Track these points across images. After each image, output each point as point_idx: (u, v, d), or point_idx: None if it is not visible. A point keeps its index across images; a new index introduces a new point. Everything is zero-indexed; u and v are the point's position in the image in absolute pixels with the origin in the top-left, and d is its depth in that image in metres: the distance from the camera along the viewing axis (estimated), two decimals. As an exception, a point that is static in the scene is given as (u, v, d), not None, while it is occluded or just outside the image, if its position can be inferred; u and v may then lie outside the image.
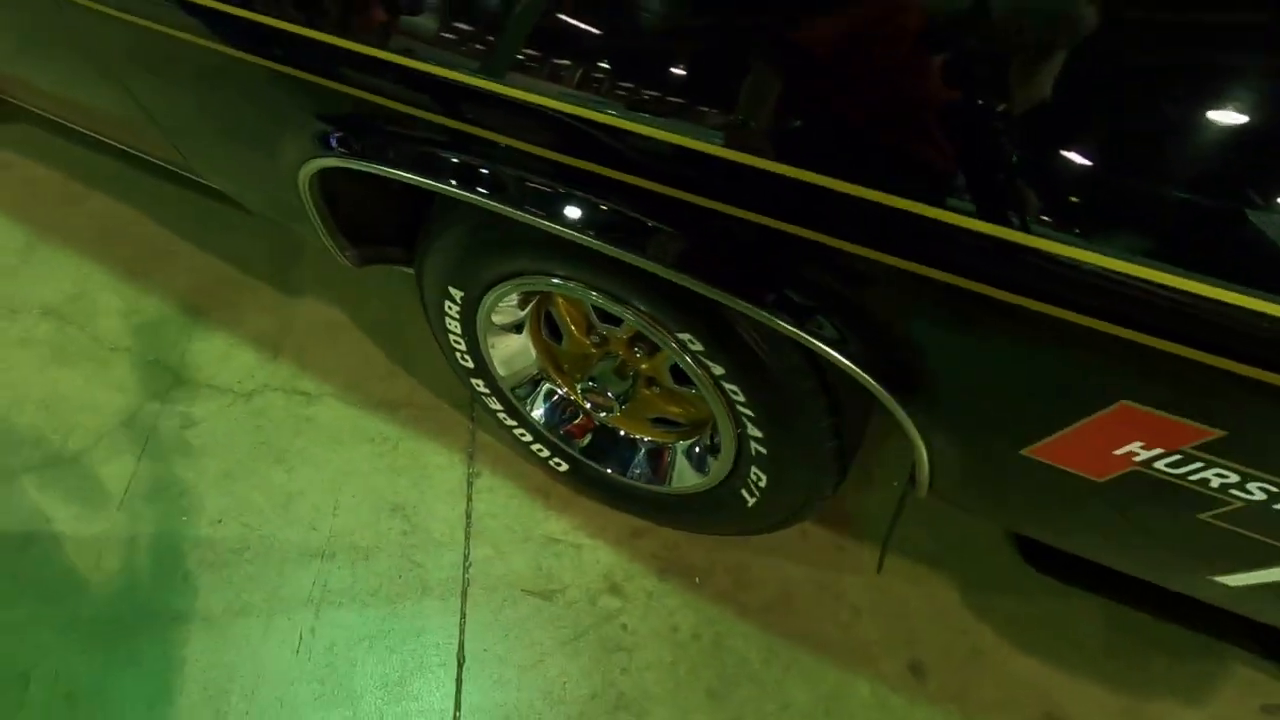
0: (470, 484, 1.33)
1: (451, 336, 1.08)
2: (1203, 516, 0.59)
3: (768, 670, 1.13)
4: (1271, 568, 0.60)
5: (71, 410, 1.41)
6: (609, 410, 1.05)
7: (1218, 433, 0.51)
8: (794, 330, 0.65)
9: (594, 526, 1.27)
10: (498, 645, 1.14)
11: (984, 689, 1.13)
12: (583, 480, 1.23)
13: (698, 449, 1.08)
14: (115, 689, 1.09)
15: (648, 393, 1.09)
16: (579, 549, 1.25)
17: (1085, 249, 0.47)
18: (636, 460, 1.14)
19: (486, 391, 1.17)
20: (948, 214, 0.51)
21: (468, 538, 1.26)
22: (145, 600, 1.18)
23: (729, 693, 1.11)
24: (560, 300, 1.06)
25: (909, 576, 1.24)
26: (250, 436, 1.38)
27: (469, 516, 1.28)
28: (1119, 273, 0.47)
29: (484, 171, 0.74)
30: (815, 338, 0.65)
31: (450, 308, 1.02)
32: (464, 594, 1.20)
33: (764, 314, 0.66)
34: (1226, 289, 0.45)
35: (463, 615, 1.17)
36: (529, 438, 1.22)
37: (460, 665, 1.13)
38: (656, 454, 1.14)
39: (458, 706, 1.09)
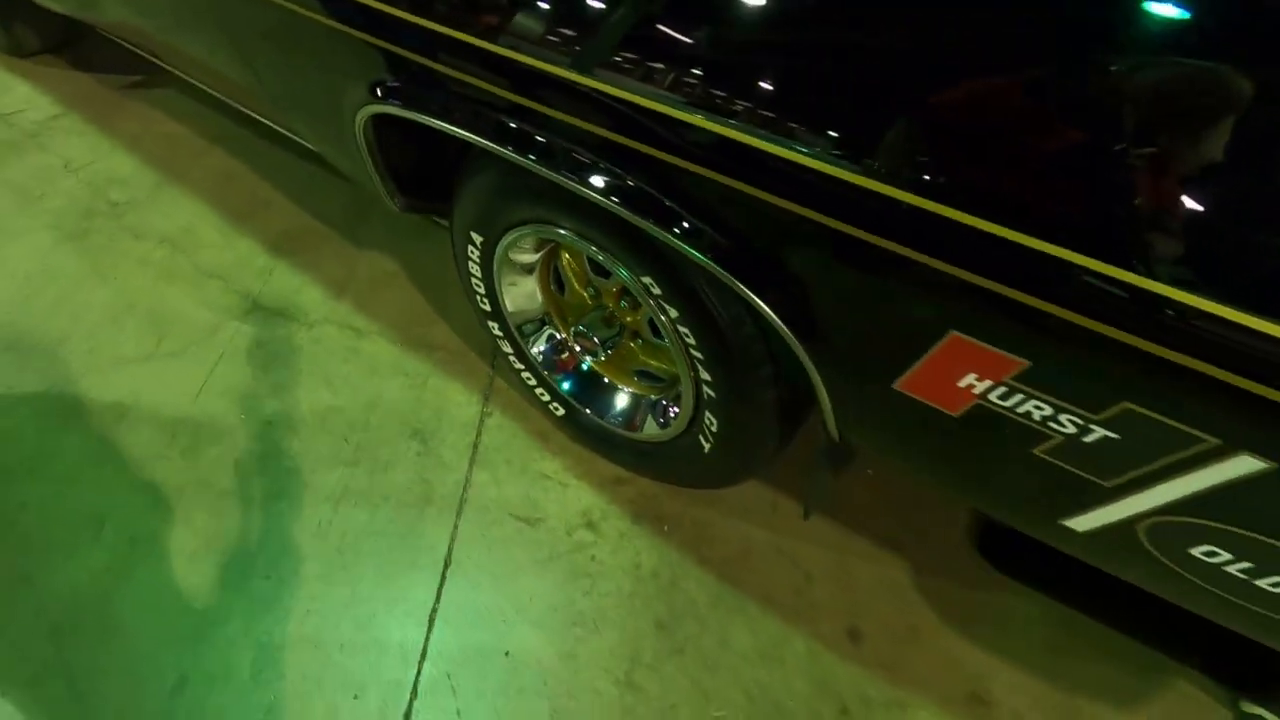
0: (482, 421, 1.50)
1: (473, 280, 1.26)
2: (1036, 451, 0.67)
3: (713, 613, 1.23)
4: (1103, 507, 0.68)
5: (169, 320, 1.68)
6: (594, 354, 1.19)
7: (1024, 363, 0.61)
8: (707, 262, 0.78)
9: (581, 470, 1.41)
10: (481, 557, 1.30)
11: (915, 663, 1.19)
12: (574, 426, 1.37)
13: (664, 402, 1.21)
14: (169, 541, 1.31)
15: (633, 345, 1.22)
16: (565, 487, 1.39)
17: (907, 191, 0.59)
18: (615, 408, 1.27)
19: (500, 334, 1.34)
20: (807, 158, 0.64)
21: (471, 464, 1.42)
22: (204, 474, 1.40)
23: (675, 626, 1.22)
24: (565, 256, 1.22)
25: (866, 555, 1.32)
26: (306, 359, 1.60)
27: (475, 448, 1.45)
28: (935, 213, 0.58)
29: (512, 127, 0.90)
30: (724, 268, 0.78)
31: (473, 252, 1.20)
32: (459, 510, 1.36)
33: (679, 242, 0.79)
34: (1012, 228, 0.55)
35: (455, 527, 1.33)
36: (533, 382, 1.37)
37: (446, 567, 1.29)
38: (634, 404, 1.27)
39: (438, 600, 1.25)
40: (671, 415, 1.20)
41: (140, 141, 2.19)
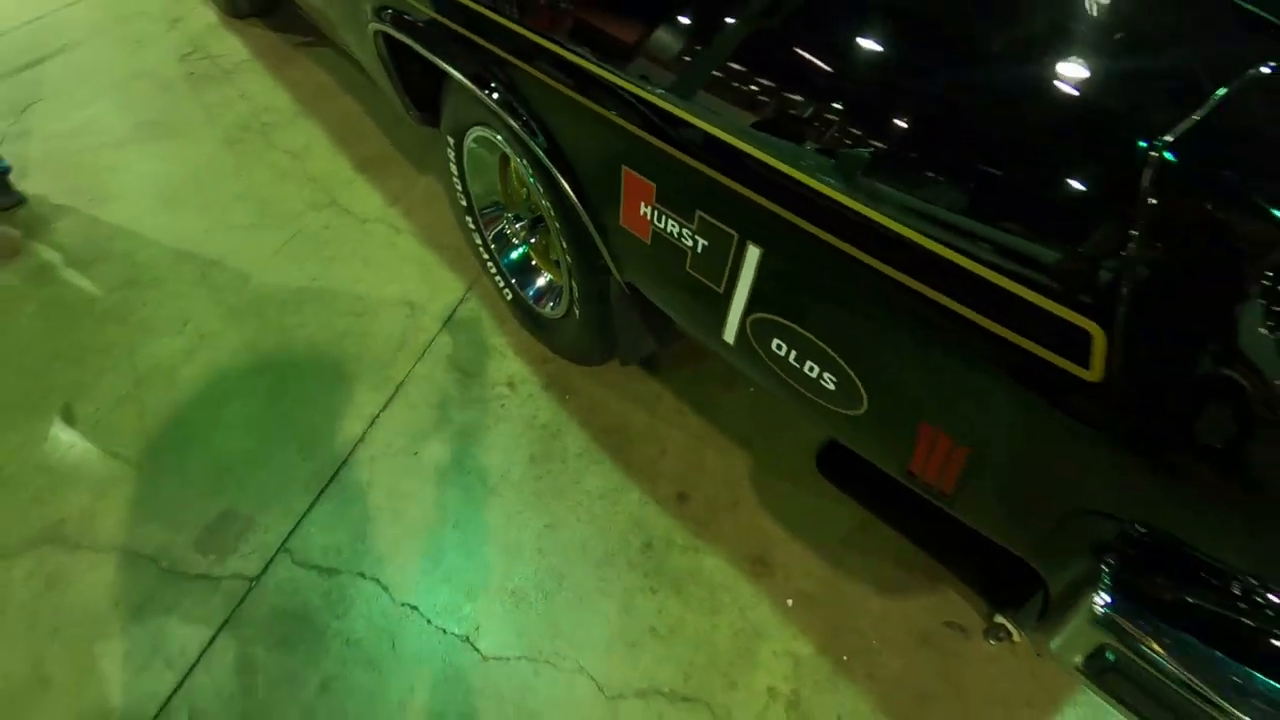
0: (461, 301, 1.89)
1: (453, 178, 1.65)
2: (688, 269, 0.93)
3: (577, 460, 1.53)
4: (727, 314, 0.91)
5: (272, 204, 2.24)
6: (518, 237, 1.54)
7: (653, 185, 0.87)
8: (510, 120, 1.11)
9: (520, 348, 1.76)
10: (423, 389, 1.68)
11: (724, 527, 1.41)
12: (516, 308, 1.73)
13: (560, 286, 1.53)
14: (224, 339, 1.83)
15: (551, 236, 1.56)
16: (504, 357, 1.75)
17: (579, 58, 0.89)
18: (535, 286, 1.62)
19: (473, 228, 1.72)
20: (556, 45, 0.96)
21: (441, 330, 1.82)
22: (258, 303, 1.91)
23: (544, 461, 1.53)
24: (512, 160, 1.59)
25: (721, 447, 1.55)
26: (354, 243, 2.09)
27: (449, 320, 1.85)
28: (590, 70, 0.88)
29: (455, 50, 1.28)
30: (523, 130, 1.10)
31: (450, 153, 1.60)
32: (420, 357, 1.76)
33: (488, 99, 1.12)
34: (619, 76, 0.84)
35: (412, 368, 1.73)
36: (494, 270, 1.75)
37: (395, 390, 1.69)
38: (547, 286, 1.61)
39: (382, 409, 1.65)
40: (560, 297, 1.52)
41: (296, 84, 2.84)
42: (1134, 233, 0.52)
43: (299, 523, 1.46)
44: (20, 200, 2.31)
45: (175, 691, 1.24)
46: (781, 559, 1.37)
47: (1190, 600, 0.60)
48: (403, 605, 1.33)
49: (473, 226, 1.72)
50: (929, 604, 1.31)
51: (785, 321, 0.84)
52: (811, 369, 0.85)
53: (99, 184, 2.41)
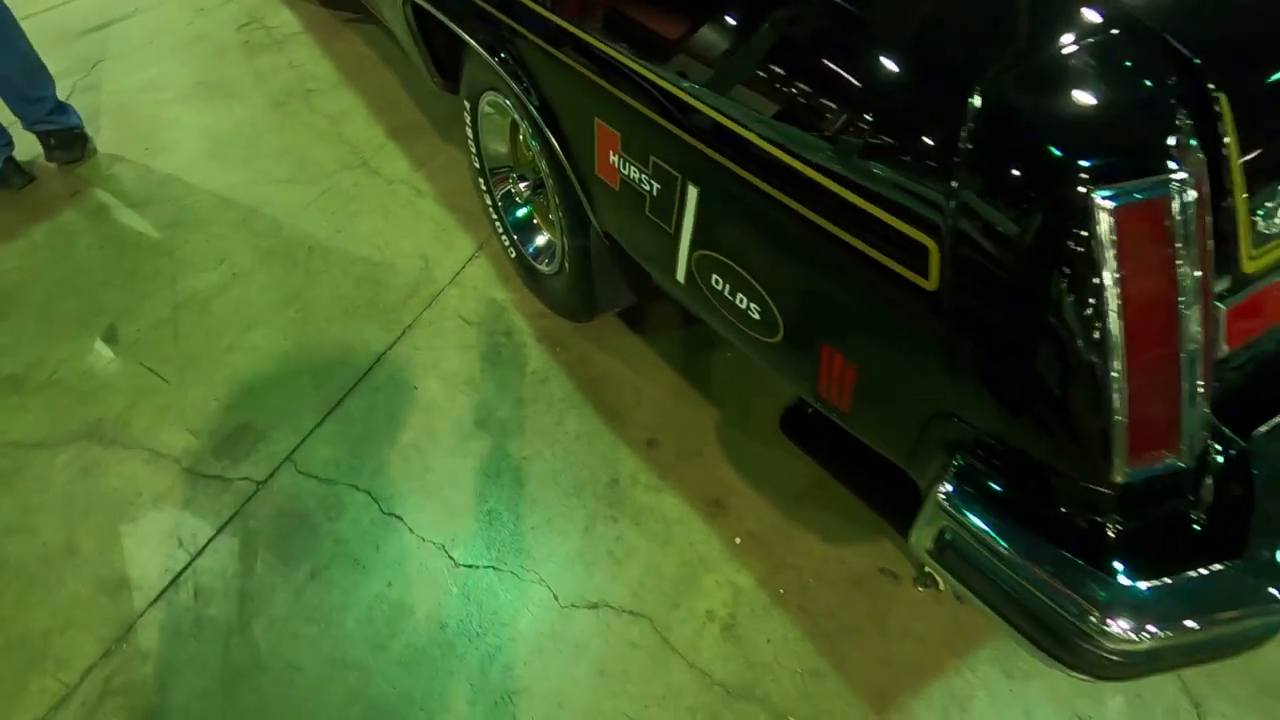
0: (471, 258, 2.04)
1: (469, 142, 1.80)
2: (647, 213, 1.05)
3: (560, 404, 1.66)
4: (676, 252, 1.03)
5: (308, 162, 2.42)
6: (521, 197, 1.68)
7: (618, 134, 1.00)
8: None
9: (521, 303, 1.90)
10: (426, 334, 1.83)
11: (686, 472, 1.53)
12: (519, 265, 1.87)
13: (555, 245, 1.66)
14: (254, 276, 2.00)
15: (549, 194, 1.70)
16: (503, 309, 1.89)
17: (557, 18, 1.02)
18: (534, 244, 1.75)
19: (485, 189, 1.87)
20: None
21: (450, 282, 1.97)
22: (287, 246, 2.08)
23: (529, 404, 1.67)
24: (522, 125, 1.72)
25: (694, 402, 1.67)
26: (377, 200, 2.25)
27: (458, 274, 2.00)
28: (567, 28, 1.00)
29: (472, 21, 1.42)
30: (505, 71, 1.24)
31: (467, 117, 1.74)
32: (429, 304, 1.91)
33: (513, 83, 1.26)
34: (585, 33, 0.96)
35: (420, 313, 1.88)
36: (501, 229, 1.89)
37: (403, 331, 1.84)
38: (546, 244, 1.74)
39: (388, 349, 1.80)
40: (555, 254, 1.65)
41: (340, 56, 3.03)
42: (957, 159, 0.63)
43: (305, 439, 1.62)
44: (92, 152, 2.53)
45: (185, 568, 1.40)
46: (736, 504, 1.48)
47: (1015, 490, 0.70)
48: (389, 515, 1.48)
49: (484, 187, 1.87)
50: (867, 552, 1.41)
51: (719, 256, 0.96)
52: (741, 300, 0.96)
53: (156, 135, 2.62)
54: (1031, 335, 0.63)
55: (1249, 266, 0.70)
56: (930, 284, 0.67)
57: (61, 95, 2.57)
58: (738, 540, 1.42)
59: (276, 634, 1.31)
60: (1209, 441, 0.71)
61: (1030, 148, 0.59)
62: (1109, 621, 0.63)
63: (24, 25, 2.36)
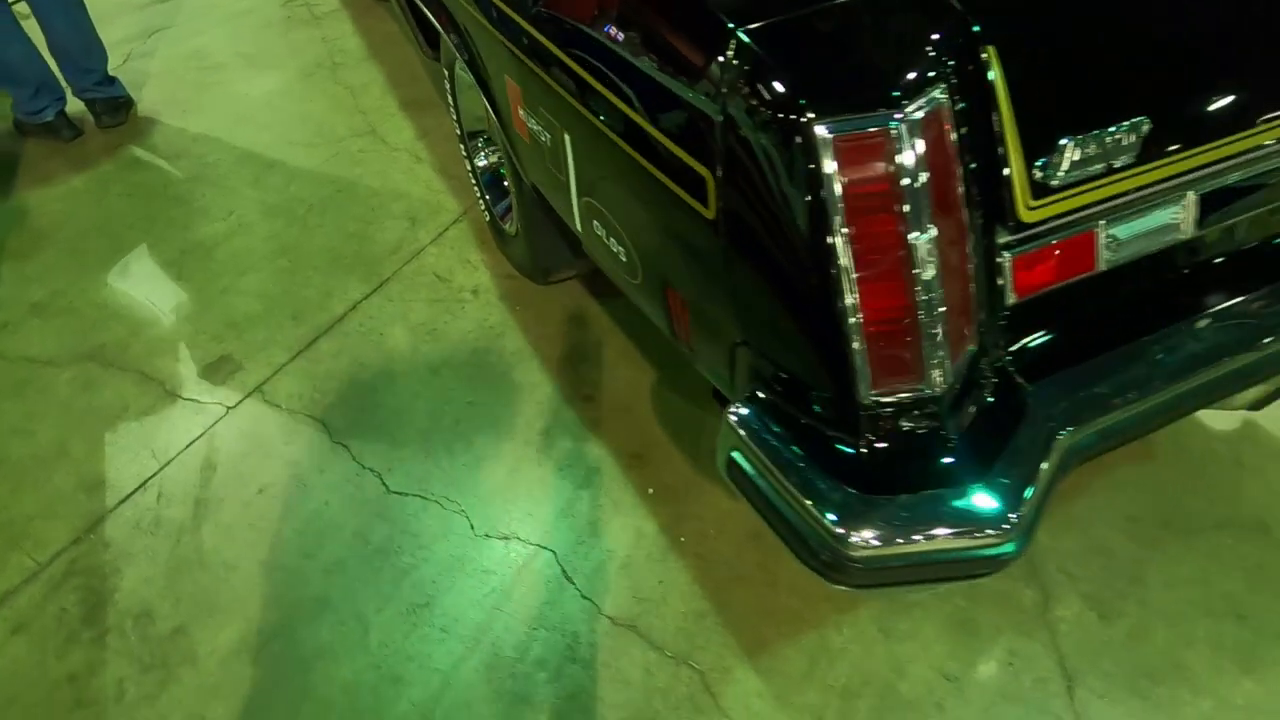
0: (455, 222, 2.16)
1: (451, 110, 1.91)
2: (548, 164, 1.13)
3: (512, 357, 1.76)
4: (571, 202, 1.11)
5: (324, 128, 2.59)
6: (489, 159, 1.79)
7: (520, 88, 1.08)
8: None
9: (493, 264, 2.01)
10: (401, 287, 1.96)
11: (615, 425, 1.61)
12: (492, 227, 1.97)
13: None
14: (258, 229, 2.17)
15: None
16: (475, 268, 2.00)
17: None
18: (501, 204, 1.86)
19: (465, 154, 1.98)
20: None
21: (431, 242, 2.09)
22: (295, 200, 2.25)
23: (484, 354, 1.77)
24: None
25: (633, 361, 1.74)
26: (380, 165, 2.40)
27: (440, 235, 2.12)
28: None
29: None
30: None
31: (446, 84, 1.85)
32: (408, 261, 2.04)
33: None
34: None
35: (399, 269, 2.01)
36: (478, 190, 2.00)
37: (380, 285, 1.97)
38: (508, 204, 1.85)
39: (364, 299, 1.93)
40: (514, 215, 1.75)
41: (369, 32, 3.21)
42: (724, 93, 0.69)
43: (276, 372, 1.77)
44: (134, 114, 2.77)
45: (153, 475, 1.57)
46: (655, 457, 1.55)
47: (788, 412, 0.76)
48: (336, 444, 1.61)
49: (464, 152, 1.98)
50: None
51: (593, 201, 1.04)
52: (613, 244, 1.03)
53: (194, 98, 2.84)
54: (783, 264, 0.69)
55: (1028, 216, 0.74)
56: (710, 212, 0.73)
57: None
58: (650, 490, 1.49)
59: (221, 537, 1.46)
60: (983, 375, 0.75)
61: (774, 84, 0.65)
62: (845, 530, 0.69)
63: None
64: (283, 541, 1.44)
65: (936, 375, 0.70)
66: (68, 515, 1.50)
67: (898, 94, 0.63)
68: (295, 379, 1.75)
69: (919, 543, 0.68)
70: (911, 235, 0.65)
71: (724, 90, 0.68)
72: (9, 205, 2.38)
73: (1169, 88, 0.79)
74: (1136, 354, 0.81)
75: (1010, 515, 0.68)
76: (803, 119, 0.62)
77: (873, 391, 0.70)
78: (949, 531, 0.67)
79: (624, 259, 1.02)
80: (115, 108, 2.69)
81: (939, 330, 0.68)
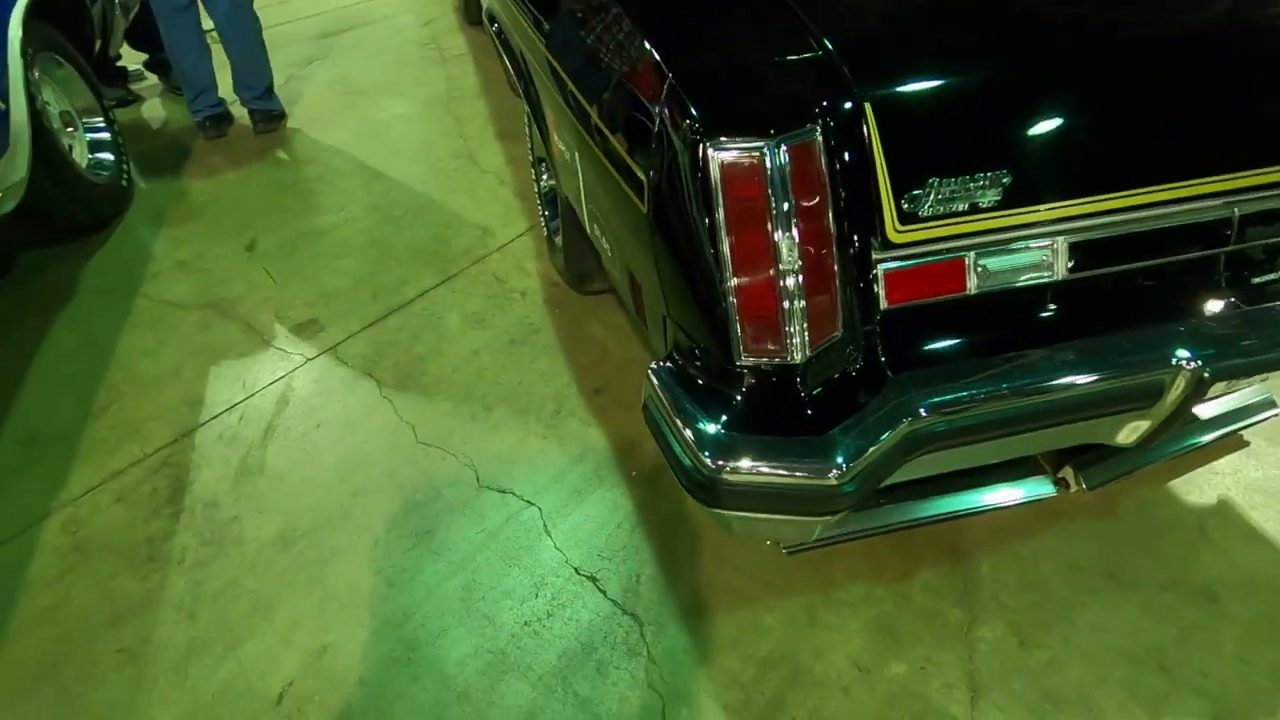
0: (520, 235, 2.49)
1: (526, 138, 2.25)
2: (571, 179, 1.39)
3: (542, 350, 2.03)
4: (584, 207, 1.36)
5: (429, 148, 3.02)
6: (549, 181, 2.10)
7: (555, 117, 1.36)
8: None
9: (544, 273, 2.31)
10: (464, 283, 2.29)
11: (619, 417, 1.83)
12: (547, 240, 2.27)
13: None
14: (371, 218, 2.58)
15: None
16: (528, 274, 2.31)
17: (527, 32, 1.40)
18: (554, 220, 2.15)
19: (534, 176, 2.30)
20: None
21: (497, 250, 2.42)
22: (395, 215, 2.65)
23: (519, 345, 2.05)
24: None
25: (645, 365, 1.95)
26: (470, 183, 2.78)
27: (506, 244, 2.45)
28: (531, 41, 1.39)
29: None
30: None
31: (525, 117, 2.19)
32: (474, 263, 2.36)
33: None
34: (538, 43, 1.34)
35: (467, 268, 2.34)
36: (540, 209, 2.31)
37: (447, 279, 2.30)
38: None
39: (434, 287, 2.26)
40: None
41: (486, 73, 3.68)
42: (657, 111, 0.92)
43: (349, 337, 2.11)
44: (284, 125, 3.32)
45: (240, 402, 1.92)
46: (648, 447, 1.75)
47: (690, 370, 0.96)
48: (384, 398, 1.91)
49: (534, 175, 2.31)
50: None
51: (593, 207, 1.29)
52: (604, 241, 1.28)
53: (331, 117, 3.37)
54: (686, 253, 0.91)
55: (896, 238, 0.93)
56: (645, 209, 0.96)
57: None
58: (634, 473, 1.70)
59: (280, 455, 1.77)
60: (848, 357, 0.94)
61: (688, 113, 0.88)
62: (712, 458, 0.88)
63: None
64: (326, 466, 1.74)
65: (796, 349, 0.89)
66: (171, 421, 1.87)
67: (774, 128, 0.84)
68: (363, 343, 2.09)
69: (765, 473, 0.85)
70: (777, 237, 0.86)
71: (657, 115, 0.92)
72: (175, 184, 2.93)
73: (1035, 146, 0.96)
74: (996, 367, 0.96)
75: (840, 463, 0.85)
76: (699, 139, 0.85)
77: (744, 356, 0.90)
78: (788, 467, 0.85)
79: (610, 253, 1.26)
80: (270, 119, 3.24)
81: (800, 314, 0.88)
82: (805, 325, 0.89)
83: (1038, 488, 1.33)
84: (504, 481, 1.69)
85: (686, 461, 0.91)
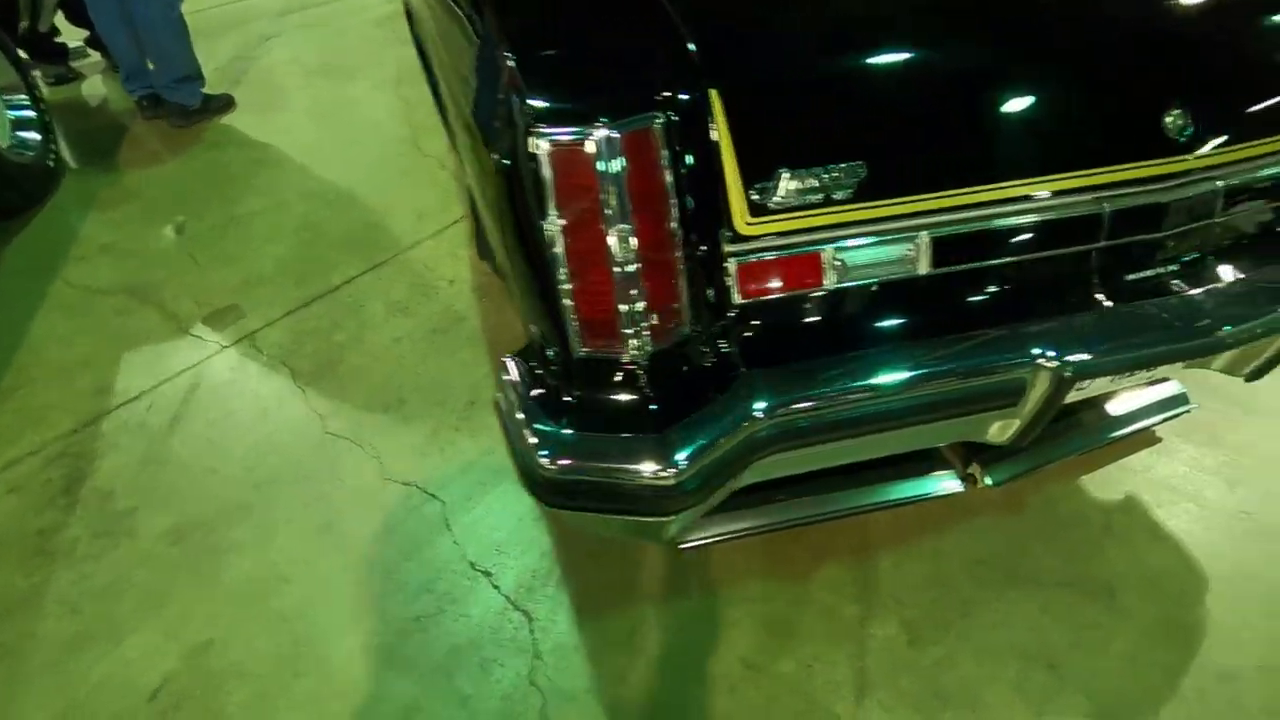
0: (455, 222, 2.44)
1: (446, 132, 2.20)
2: (469, 171, 1.35)
3: (464, 339, 2.00)
4: (479, 198, 1.33)
5: (375, 131, 2.96)
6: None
7: (456, 111, 1.31)
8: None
9: (474, 260, 2.26)
10: (391, 270, 2.24)
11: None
12: (475, 230, 2.23)
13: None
14: (307, 203, 2.52)
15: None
16: (459, 261, 2.27)
17: None
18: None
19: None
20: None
21: (430, 236, 2.38)
22: (330, 200, 2.59)
23: (442, 333, 2.02)
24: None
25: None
26: (410, 167, 2.73)
27: (441, 231, 2.40)
28: None
29: None
30: None
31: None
32: (403, 250, 2.32)
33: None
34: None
35: (393, 256, 2.30)
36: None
37: (374, 266, 2.25)
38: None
39: (359, 274, 2.22)
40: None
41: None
42: (504, 108, 0.88)
43: (269, 324, 2.07)
44: (231, 106, 3.23)
45: (150, 389, 1.88)
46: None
47: (534, 366, 0.94)
48: (298, 387, 1.87)
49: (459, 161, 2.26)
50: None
51: (477, 193, 1.25)
52: (491, 236, 1.24)
53: (278, 98, 3.30)
54: (529, 244, 0.87)
55: (745, 230, 0.90)
56: (504, 202, 0.92)
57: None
58: (543, 466, 1.67)
59: (184, 444, 1.74)
60: (695, 352, 0.91)
61: (524, 102, 0.84)
62: (544, 455, 0.85)
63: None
64: (231, 457, 1.70)
65: (634, 344, 0.86)
66: (77, 409, 1.83)
67: (607, 116, 0.81)
68: (282, 331, 2.04)
69: (596, 472, 0.83)
70: (611, 229, 0.82)
71: (502, 102, 0.88)
72: (109, 165, 2.85)
73: (893, 138, 0.93)
74: (847, 365, 0.93)
75: (676, 462, 0.83)
76: (531, 128, 0.81)
77: (582, 350, 0.87)
78: (619, 466, 0.83)
79: (492, 244, 1.22)
80: (183, 113, 3.02)
81: (638, 308, 0.85)
82: (646, 321, 0.86)
83: (943, 483, 1.32)
84: (410, 474, 1.66)
85: (522, 459, 0.88)
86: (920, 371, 0.93)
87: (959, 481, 1.30)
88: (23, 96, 2.57)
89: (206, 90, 3.11)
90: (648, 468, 0.83)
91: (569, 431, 0.86)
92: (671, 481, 0.84)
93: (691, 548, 1.32)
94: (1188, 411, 1.46)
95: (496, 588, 1.44)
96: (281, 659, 1.33)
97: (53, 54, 3.44)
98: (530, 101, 0.83)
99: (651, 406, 0.87)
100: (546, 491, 0.87)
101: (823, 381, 0.91)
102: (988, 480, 1.29)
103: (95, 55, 3.64)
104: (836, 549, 1.50)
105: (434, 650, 1.35)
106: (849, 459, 1.09)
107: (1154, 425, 1.47)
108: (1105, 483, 1.61)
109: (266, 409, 1.82)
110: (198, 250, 2.37)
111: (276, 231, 2.44)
